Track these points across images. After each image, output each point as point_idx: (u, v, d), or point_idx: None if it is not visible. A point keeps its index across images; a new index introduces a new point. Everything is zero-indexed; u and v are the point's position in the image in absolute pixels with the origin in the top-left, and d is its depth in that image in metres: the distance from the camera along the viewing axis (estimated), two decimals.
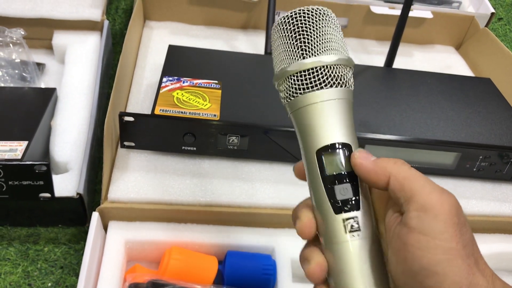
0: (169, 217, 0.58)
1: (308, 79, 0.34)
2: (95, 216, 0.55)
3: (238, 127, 0.60)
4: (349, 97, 0.35)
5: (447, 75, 0.79)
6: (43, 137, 0.65)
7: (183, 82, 0.65)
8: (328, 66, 0.34)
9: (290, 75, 0.35)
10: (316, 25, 0.35)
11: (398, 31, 0.77)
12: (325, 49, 0.34)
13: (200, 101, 0.62)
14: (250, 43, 0.89)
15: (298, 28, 0.35)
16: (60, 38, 0.79)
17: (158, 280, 0.53)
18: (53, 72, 0.79)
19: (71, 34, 0.79)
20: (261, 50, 0.82)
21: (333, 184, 0.34)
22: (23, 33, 0.75)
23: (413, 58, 0.93)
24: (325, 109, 0.34)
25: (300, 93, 0.34)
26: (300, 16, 0.35)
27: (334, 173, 0.34)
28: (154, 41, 0.84)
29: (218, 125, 0.60)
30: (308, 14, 0.35)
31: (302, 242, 0.59)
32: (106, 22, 0.81)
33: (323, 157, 0.34)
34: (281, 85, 0.36)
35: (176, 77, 0.66)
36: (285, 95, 0.36)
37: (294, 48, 0.35)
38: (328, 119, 0.34)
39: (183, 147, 0.61)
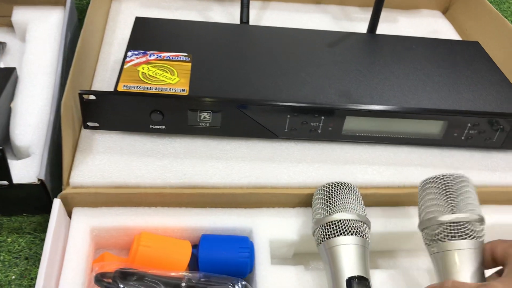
0: (137, 201, 0.54)
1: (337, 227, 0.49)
2: (57, 203, 0.52)
3: (209, 102, 0.56)
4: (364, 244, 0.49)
5: (433, 39, 0.75)
6: (2, 120, 0.61)
7: (150, 56, 0.61)
8: (348, 220, 0.49)
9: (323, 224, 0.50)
10: (341, 193, 0.51)
11: None
12: (346, 209, 0.50)
13: (168, 75, 0.58)
14: (226, 14, 0.84)
15: (327, 194, 0.52)
16: (20, 15, 0.74)
17: (127, 268, 0.50)
18: (15, 51, 0.74)
19: (32, 10, 0.74)
20: (237, 21, 0.78)
21: None
22: None
23: (397, 24, 0.89)
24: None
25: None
26: (330, 187, 0.52)
27: None
28: (123, 15, 0.79)
29: (187, 101, 0.55)
30: (336, 186, 0.52)
31: (281, 222, 0.56)
32: None
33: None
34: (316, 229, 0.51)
35: (142, 51, 0.61)
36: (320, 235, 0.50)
37: (325, 207, 0.51)
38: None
39: (151, 126, 0.57)
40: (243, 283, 0.50)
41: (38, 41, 0.70)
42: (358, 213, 0.50)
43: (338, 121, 0.59)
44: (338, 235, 0.49)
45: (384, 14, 0.88)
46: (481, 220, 0.47)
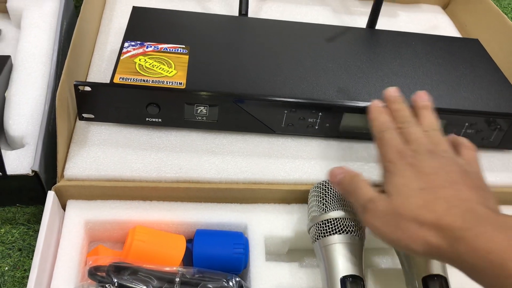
0: (132, 194, 0.54)
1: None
2: (51, 195, 0.51)
3: (206, 96, 0.55)
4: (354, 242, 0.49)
5: (432, 36, 0.74)
6: None
7: (147, 47, 0.60)
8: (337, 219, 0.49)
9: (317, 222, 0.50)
10: (336, 191, 0.51)
11: None
12: (341, 208, 0.50)
13: (165, 67, 0.57)
14: (225, 4, 0.83)
15: (323, 191, 0.52)
16: (15, 1, 0.72)
17: (121, 262, 0.49)
18: (11, 38, 0.73)
19: None
20: (236, 11, 0.77)
21: None
22: None
23: (397, 19, 0.88)
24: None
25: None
26: (326, 184, 0.52)
27: None
28: (121, 3, 0.78)
29: (184, 94, 0.55)
30: (331, 183, 0.52)
31: (276, 218, 0.55)
32: None
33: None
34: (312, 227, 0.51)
35: (139, 42, 0.61)
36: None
37: (321, 204, 0.51)
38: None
39: (147, 119, 0.57)
40: (237, 279, 0.50)
41: (33, 28, 0.69)
42: (353, 211, 0.50)
43: (335, 117, 0.58)
44: (333, 234, 0.49)
45: (384, 9, 0.88)
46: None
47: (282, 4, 0.85)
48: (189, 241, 0.53)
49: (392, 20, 0.87)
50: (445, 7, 0.94)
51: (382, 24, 0.84)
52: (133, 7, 0.68)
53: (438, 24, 0.89)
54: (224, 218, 0.55)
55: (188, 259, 0.52)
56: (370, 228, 0.44)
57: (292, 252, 0.58)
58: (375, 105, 0.52)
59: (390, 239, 0.42)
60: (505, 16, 0.80)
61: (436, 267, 0.48)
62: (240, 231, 0.55)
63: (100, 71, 0.65)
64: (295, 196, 0.57)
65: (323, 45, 0.67)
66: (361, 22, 0.80)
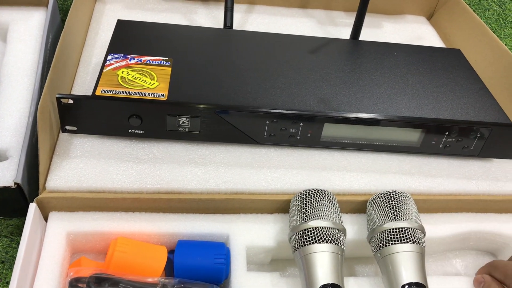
0: (114, 206, 0.54)
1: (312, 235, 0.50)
2: (33, 207, 0.51)
3: (187, 107, 0.56)
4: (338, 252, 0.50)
5: (415, 46, 0.75)
6: None
7: (130, 60, 0.61)
8: (323, 228, 0.50)
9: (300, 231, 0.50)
10: (317, 201, 0.52)
11: (364, 0, 0.73)
12: (321, 217, 0.50)
13: (147, 80, 0.58)
14: (211, 17, 0.84)
15: (303, 201, 0.53)
16: (1, 15, 0.73)
17: (102, 274, 0.50)
18: None
19: (14, 10, 0.74)
20: (222, 24, 0.78)
21: None
22: None
23: (382, 30, 0.89)
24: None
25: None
26: (307, 194, 0.53)
27: None
28: (107, 17, 0.79)
29: (165, 106, 0.55)
30: (312, 193, 0.53)
31: (258, 228, 0.56)
32: None
33: None
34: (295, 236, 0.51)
35: (122, 55, 0.61)
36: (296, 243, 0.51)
37: (301, 214, 0.52)
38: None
39: (129, 130, 0.57)
40: None
41: (19, 42, 0.70)
42: (333, 220, 0.51)
43: (316, 127, 0.59)
44: (313, 243, 0.49)
45: (369, 20, 0.89)
46: (421, 228, 0.52)
47: (267, 16, 0.86)
48: (171, 252, 0.54)
49: (377, 31, 0.88)
50: (429, 18, 0.95)
51: (367, 35, 0.85)
52: (118, 20, 0.68)
53: (423, 34, 0.90)
54: (206, 229, 0.55)
55: (170, 270, 0.53)
56: None
57: (275, 262, 0.59)
58: None
59: None
60: (487, 27, 0.81)
61: (415, 275, 0.48)
62: (222, 242, 0.55)
63: (85, 84, 0.66)
64: (277, 206, 0.57)
65: (306, 57, 0.68)
66: (346, 33, 0.81)
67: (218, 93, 0.58)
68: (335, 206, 0.53)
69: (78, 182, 0.54)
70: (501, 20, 1.05)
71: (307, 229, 0.50)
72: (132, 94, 0.55)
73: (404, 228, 0.51)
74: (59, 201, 0.53)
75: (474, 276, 0.56)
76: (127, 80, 0.57)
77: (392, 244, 0.50)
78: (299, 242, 0.50)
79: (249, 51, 0.67)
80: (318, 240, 0.49)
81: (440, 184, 0.61)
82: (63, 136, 0.59)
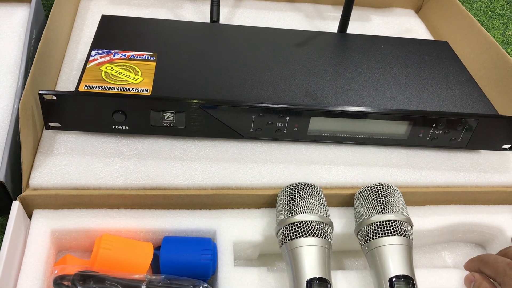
0: (99, 202, 0.54)
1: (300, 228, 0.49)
2: (16, 205, 0.51)
3: (172, 102, 0.55)
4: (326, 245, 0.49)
5: (402, 39, 0.75)
6: None
7: (114, 55, 0.60)
8: (310, 221, 0.49)
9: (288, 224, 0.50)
10: (303, 194, 0.52)
11: None
12: (308, 211, 0.50)
13: (132, 75, 0.57)
14: (197, 11, 0.83)
15: (290, 195, 0.52)
16: None
17: (87, 271, 0.49)
18: None
19: None
20: (209, 19, 0.77)
21: None
22: None
23: (370, 23, 0.89)
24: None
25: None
26: (293, 188, 0.53)
27: None
28: (92, 12, 0.78)
29: (150, 101, 0.55)
30: (298, 187, 0.53)
31: (245, 223, 0.55)
32: None
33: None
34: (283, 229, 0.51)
35: (106, 50, 0.61)
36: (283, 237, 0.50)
37: (288, 208, 0.51)
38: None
39: (113, 126, 0.57)
40: (205, 285, 0.50)
41: (2, 39, 0.69)
42: (320, 214, 0.50)
43: (303, 121, 0.59)
44: (299, 237, 0.49)
45: (358, 13, 0.89)
46: (408, 221, 0.52)
47: (255, 11, 0.85)
48: (158, 248, 0.53)
49: (366, 24, 0.88)
50: (417, 11, 0.95)
51: (356, 28, 0.85)
52: (102, 15, 0.68)
53: (411, 27, 0.90)
54: (192, 225, 0.55)
55: (156, 267, 0.52)
56: None
57: (264, 257, 0.58)
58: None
59: None
60: (474, 19, 0.81)
61: (403, 268, 0.48)
62: (209, 237, 0.55)
63: (69, 80, 0.65)
64: (264, 200, 0.57)
65: (292, 50, 0.68)
66: (334, 27, 0.81)
67: (204, 87, 0.58)
68: (322, 199, 0.53)
69: (62, 179, 0.53)
70: (489, 12, 1.05)
71: (294, 223, 0.49)
72: (116, 90, 0.55)
73: (391, 220, 0.51)
74: (43, 199, 0.53)
75: (463, 268, 0.56)
76: (111, 76, 0.57)
77: (379, 237, 0.50)
78: (285, 236, 0.49)
79: (235, 45, 0.67)
80: (305, 233, 0.48)
81: (428, 176, 0.61)
82: (47, 133, 0.58)
